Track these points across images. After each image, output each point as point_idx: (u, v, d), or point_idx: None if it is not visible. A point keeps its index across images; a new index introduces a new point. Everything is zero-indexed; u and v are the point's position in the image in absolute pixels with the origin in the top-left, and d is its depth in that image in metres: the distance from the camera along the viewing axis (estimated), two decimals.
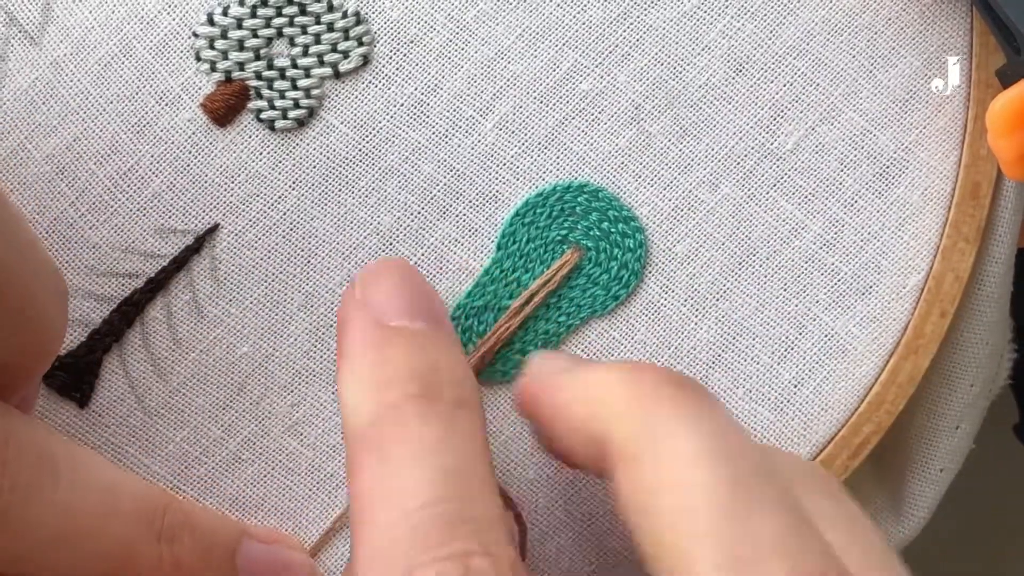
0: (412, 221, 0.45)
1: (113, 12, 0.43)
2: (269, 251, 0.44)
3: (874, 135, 0.45)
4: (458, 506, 0.33)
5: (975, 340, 0.48)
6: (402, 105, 0.44)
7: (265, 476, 0.45)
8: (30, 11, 0.43)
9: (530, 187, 0.45)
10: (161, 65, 0.44)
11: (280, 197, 0.44)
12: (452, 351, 0.38)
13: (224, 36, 0.44)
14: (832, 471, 0.45)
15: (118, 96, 0.44)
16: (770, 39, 0.45)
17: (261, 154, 0.44)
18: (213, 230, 0.44)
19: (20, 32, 0.43)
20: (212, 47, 0.44)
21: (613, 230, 0.45)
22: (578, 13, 0.45)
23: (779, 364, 0.46)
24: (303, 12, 0.44)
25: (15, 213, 0.35)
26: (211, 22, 0.44)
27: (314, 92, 0.44)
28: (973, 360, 0.48)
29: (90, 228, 0.44)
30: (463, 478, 0.34)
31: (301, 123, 0.44)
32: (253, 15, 0.44)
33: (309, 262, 0.45)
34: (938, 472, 0.50)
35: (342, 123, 0.44)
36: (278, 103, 0.44)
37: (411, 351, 0.37)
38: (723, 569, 0.29)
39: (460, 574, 0.32)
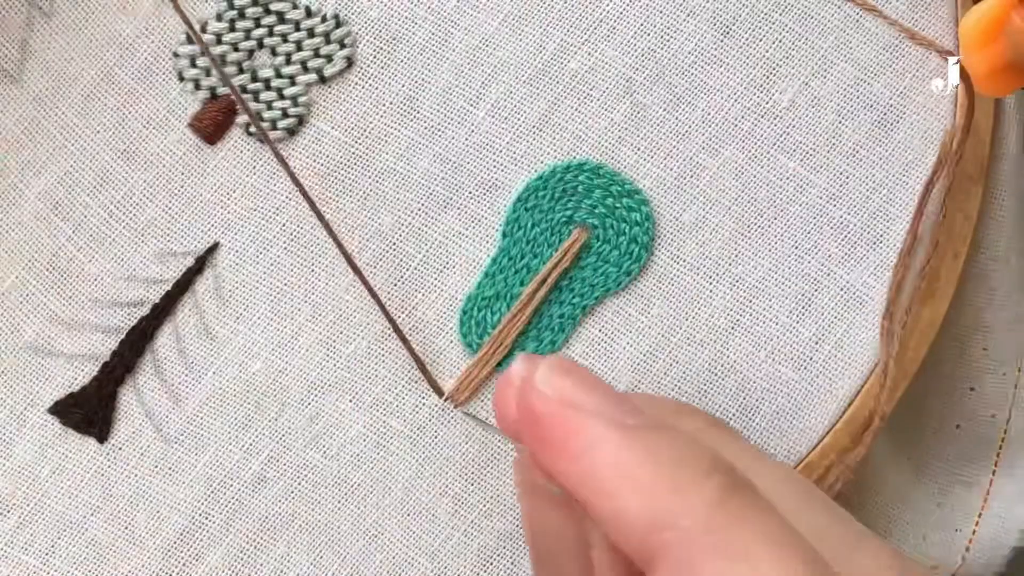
0: (413, 219, 0.44)
1: (91, 41, 0.43)
2: (272, 264, 0.44)
3: (868, 83, 0.45)
4: None
5: (983, 304, 0.48)
6: (391, 103, 0.44)
7: (292, 493, 0.44)
8: (7, 49, 0.43)
9: (529, 171, 0.45)
10: (145, 89, 0.43)
11: (278, 209, 0.44)
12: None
13: (205, 53, 0.43)
14: (862, 421, 0.45)
15: (104, 125, 0.43)
16: None
17: (254, 168, 0.44)
18: (213, 249, 0.44)
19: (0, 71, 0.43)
20: (194, 65, 0.43)
21: (618, 205, 0.45)
22: None
23: (798, 323, 0.45)
24: (282, 20, 0.43)
25: None
26: (190, 40, 0.43)
27: (301, 100, 0.44)
28: (983, 324, 0.48)
29: (90, 260, 0.44)
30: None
31: (292, 132, 0.44)
32: (232, 29, 0.43)
33: (313, 271, 0.44)
34: (954, 428, 0.50)
35: (333, 128, 0.44)
36: (266, 114, 0.44)
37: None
38: None
39: None
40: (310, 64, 0.44)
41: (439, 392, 0.44)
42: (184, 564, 0.44)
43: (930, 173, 0.45)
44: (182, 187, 0.44)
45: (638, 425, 0.32)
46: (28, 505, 0.44)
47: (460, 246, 0.45)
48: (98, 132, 0.43)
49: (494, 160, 0.44)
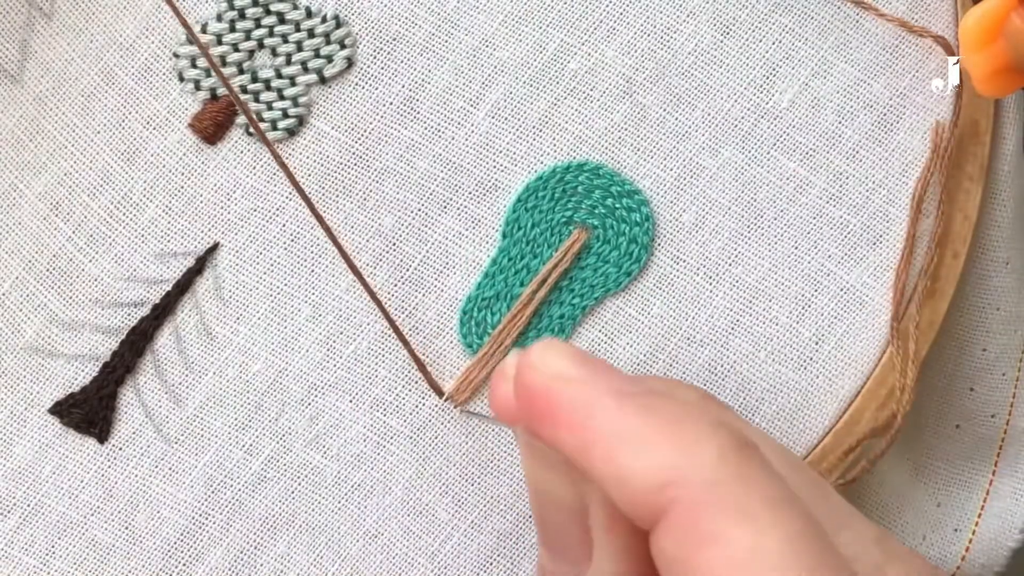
0: (413, 219, 0.44)
1: (91, 42, 0.43)
2: (272, 265, 0.44)
3: (868, 84, 0.45)
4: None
5: (982, 304, 0.48)
6: (391, 104, 0.44)
7: (292, 493, 0.44)
8: (8, 49, 0.43)
9: (529, 172, 0.45)
10: (145, 90, 0.43)
11: (278, 209, 0.44)
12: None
13: (203, 55, 0.43)
14: (862, 423, 0.45)
15: (105, 125, 0.43)
16: None
17: (254, 168, 0.44)
18: (213, 249, 0.44)
19: (0, 72, 0.43)
20: (194, 66, 0.43)
21: (618, 206, 0.45)
22: None
23: (798, 323, 0.45)
24: (282, 21, 0.43)
25: None
26: (191, 41, 0.43)
27: (301, 100, 0.44)
28: (982, 324, 0.48)
29: (90, 261, 0.44)
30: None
31: (292, 132, 0.44)
32: (232, 29, 0.43)
33: (313, 272, 0.44)
34: (954, 428, 0.50)
35: (333, 128, 0.44)
36: (266, 115, 0.44)
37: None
38: None
39: None
40: (310, 65, 0.44)
41: (439, 392, 0.44)
42: (184, 564, 0.44)
43: (923, 168, 0.45)
44: (182, 187, 0.44)
45: (635, 391, 0.32)
46: (28, 505, 0.44)
47: (460, 246, 0.45)
48: (98, 132, 0.43)
49: (494, 160, 0.44)
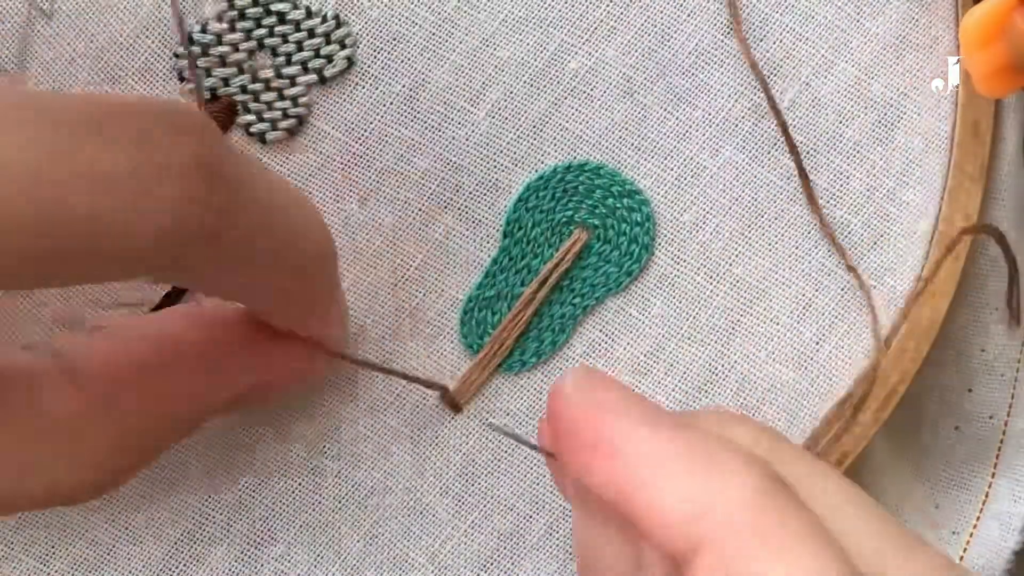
0: (414, 218, 0.44)
1: (92, 41, 0.43)
2: None
3: (869, 84, 0.45)
4: None
5: (981, 304, 0.48)
6: (391, 104, 0.44)
7: (293, 492, 0.44)
8: (8, 48, 0.43)
9: (530, 171, 0.45)
10: (145, 89, 0.43)
11: None
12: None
13: (205, 53, 0.43)
14: (864, 424, 0.45)
15: None
16: None
17: None
18: None
19: (0, 72, 0.43)
20: (195, 66, 0.43)
21: (619, 205, 0.45)
22: None
23: (799, 323, 0.45)
24: (282, 21, 0.43)
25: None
26: (191, 40, 0.43)
27: (302, 100, 0.44)
28: (980, 325, 0.48)
29: None
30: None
31: (292, 132, 0.44)
32: (232, 29, 0.43)
33: None
34: (953, 430, 0.50)
35: (333, 128, 0.44)
36: (267, 115, 0.44)
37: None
38: None
39: None
40: (311, 65, 0.44)
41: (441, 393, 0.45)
42: (185, 565, 0.44)
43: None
44: None
45: (669, 423, 0.32)
46: None
47: (461, 246, 0.45)
48: None
49: (494, 160, 0.44)
